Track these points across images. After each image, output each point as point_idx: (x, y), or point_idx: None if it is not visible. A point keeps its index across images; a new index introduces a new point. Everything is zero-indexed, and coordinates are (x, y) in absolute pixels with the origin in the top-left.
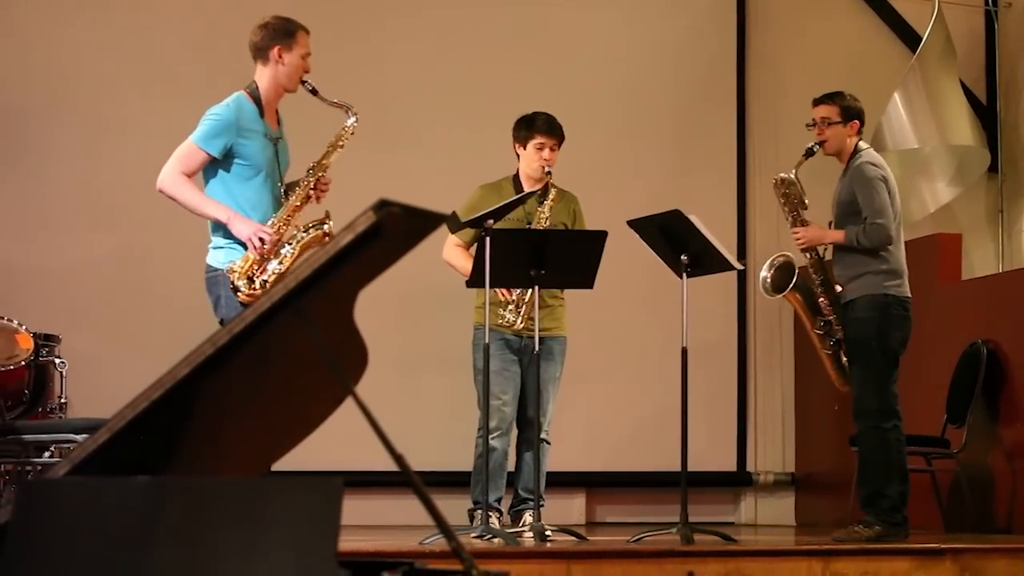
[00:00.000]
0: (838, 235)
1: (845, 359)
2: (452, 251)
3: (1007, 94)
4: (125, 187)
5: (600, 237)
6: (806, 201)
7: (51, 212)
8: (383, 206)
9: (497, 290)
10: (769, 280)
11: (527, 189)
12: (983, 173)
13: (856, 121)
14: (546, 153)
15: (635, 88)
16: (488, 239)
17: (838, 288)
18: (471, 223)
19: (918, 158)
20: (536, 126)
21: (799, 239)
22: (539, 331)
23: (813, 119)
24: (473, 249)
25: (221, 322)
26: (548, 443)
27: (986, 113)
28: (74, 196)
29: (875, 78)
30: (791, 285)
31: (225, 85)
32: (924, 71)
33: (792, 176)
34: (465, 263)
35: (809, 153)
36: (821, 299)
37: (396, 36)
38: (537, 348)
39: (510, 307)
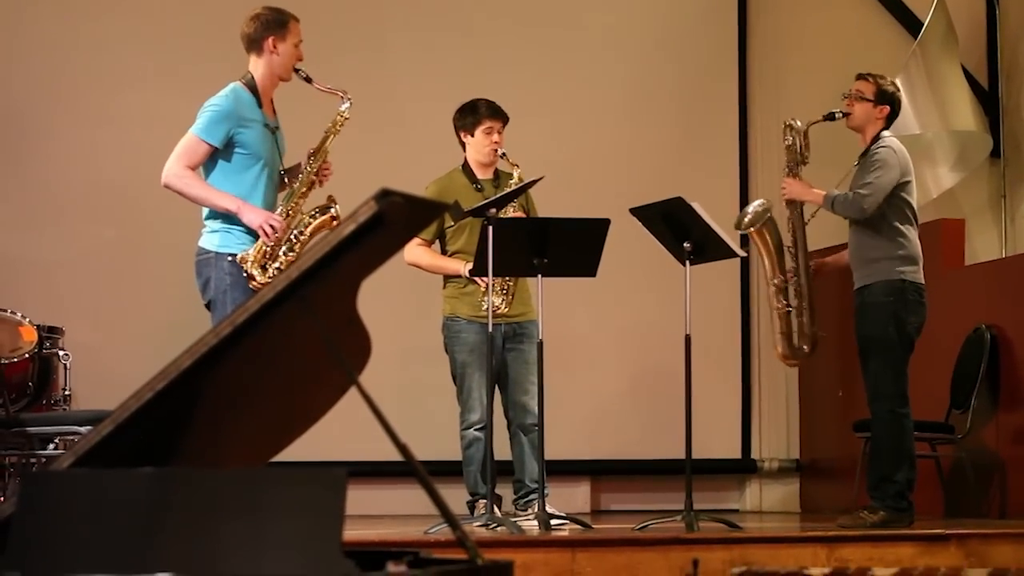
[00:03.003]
0: (818, 195)
1: (796, 329)
2: (415, 251)
3: (1009, 79)
4: (127, 179)
5: (603, 225)
6: (807, 156)
7: (53, 204)
8: (385, 196)
9: (479, 279)
10: (746, 219)
11: (479, 176)
12: (985, 158)
13: (887, 106)
14: (495, 136)
15: (637, 76)
16: (491, 228)
17: (812, 264)
18: (473, 212)
19: (920, 144)
20: (481, 111)
21: (784, 190)
22: (518, 316)
23: (850, 90)
24: (436, 246)
25: (207, 304)
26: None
27: (988, 98)
28: (76, 188)
29: (876, 64)
30: (760, 223)
31: (225, 77)
32: (925, 56)
33: (800, 125)
34: (434, 260)
35: (830, 116)
36: (788, 259)
37: (395, 26)
38: (541, 334)
39: (491, 292)
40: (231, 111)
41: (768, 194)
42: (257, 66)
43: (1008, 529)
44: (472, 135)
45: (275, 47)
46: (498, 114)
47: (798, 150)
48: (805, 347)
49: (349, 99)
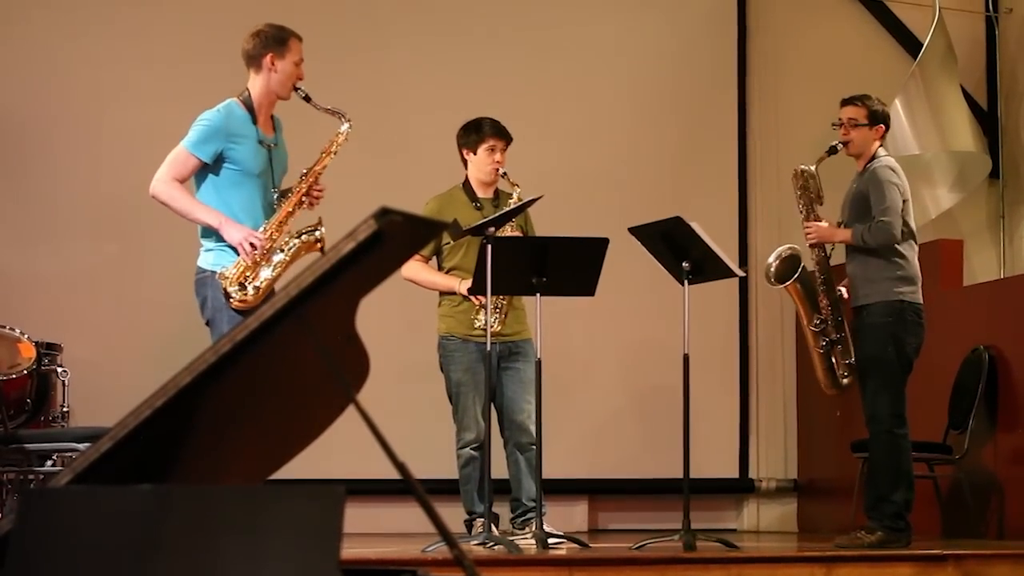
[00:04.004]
0: (846, 234)
1: (835, 361)
2: (413, 267)
3: (1008, 100)
4: (127, 195)
5: (602, 244)
6: (822, 196)
7: (52, 221)
8: (384, 214)
9: (473, 297)
10: (773, 269)
11: (479, 194)
12: (984, 179)
13: (881, 125)
14: (498, 155)
15: (636, 94)
16: (490, 247)
17: (841, 291)
18: (473, 231)
19: (919, 164)
20: (485, 129)
21: (810, 234)
22: (513, 335)
23: (839, 119)
24: (433, 262)
25: (208, 323)
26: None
27: (987, 119)
28: (76, 204)
29: (876, 84)
30: (795, 276)
31: (226, 92)
32: (925, 77)
33: (813, 169)
34: (430, 277)
35: (832, 151)
36: (821, 298)
37: (395, 44)
38: (539, 353)
39: (482, 312)
40: (221, 127)
41: (767, 212)
42: (255, 83)
43: (1005, 550)
44: (475, 153)
45: (274, 64)
46: (501, 133)
47: (814, 192)
48: (845, 378)
49: (349, 120)
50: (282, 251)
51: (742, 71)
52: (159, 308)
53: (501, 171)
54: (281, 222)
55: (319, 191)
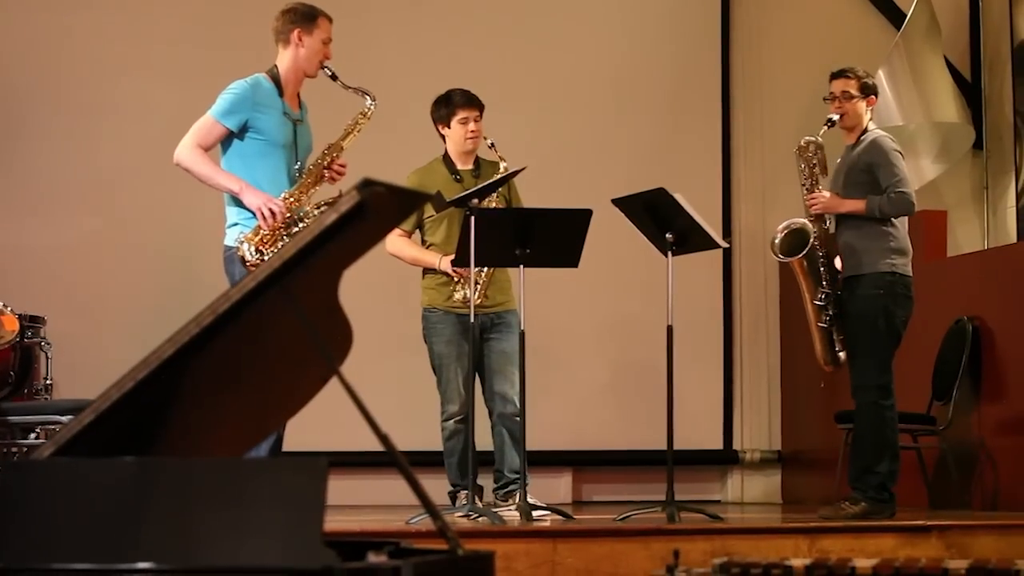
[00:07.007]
0: (858, 204)
1: (836, 337)
2: (396, 242)
3: (991, 71)
4: (111, 169)
5: (585, 216)
6: (827, 168)
7: (37, 194)
8: (367, 185)
9: (453, 271)
10: (778, 241)
11: (459, 166)
12: (968, 150)
13: (873, 96)
14: (472, 125)
15: (620, 67)
16: (473, 218)
17: (837, 263)
18: (456, 202)
19: (903, 135)
20: (455, 101)
21: (816, 204)
22: (496, 306)
23: (831, 92)
24: (416, 236)
25: None
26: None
27: (971, 90)
28: (60, 178)
29: (859, 55)
30: (804, 252)
31: (217, 69)
32: (909, 48)
33: (820, 140)
34: (413, 252)
35: (831, 123)
36: (824, 272)
37: (382, 17)
38: (523, 324)
39: (460, 284)
40: (248, 97)
41: (751, 183)
42: (283, 58)
43: (989, 520)
44: (448, 126)
45: (301, 40)
46: (472, 102)
47: (823, 163)
48: (842, 352)
49: (374, 99)
50: (302, 221)
51: (726, 42)
52: (143, 281)
53: (489, 142)
54: (301, 193)
55: (341, 166)
